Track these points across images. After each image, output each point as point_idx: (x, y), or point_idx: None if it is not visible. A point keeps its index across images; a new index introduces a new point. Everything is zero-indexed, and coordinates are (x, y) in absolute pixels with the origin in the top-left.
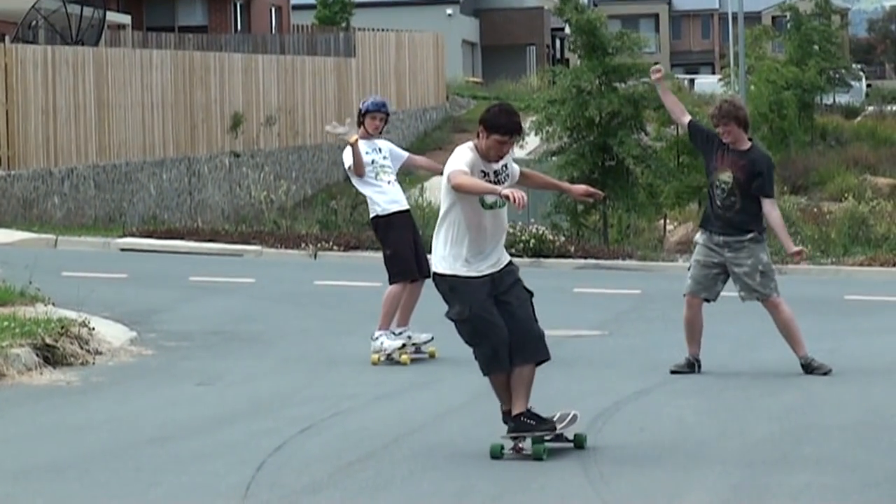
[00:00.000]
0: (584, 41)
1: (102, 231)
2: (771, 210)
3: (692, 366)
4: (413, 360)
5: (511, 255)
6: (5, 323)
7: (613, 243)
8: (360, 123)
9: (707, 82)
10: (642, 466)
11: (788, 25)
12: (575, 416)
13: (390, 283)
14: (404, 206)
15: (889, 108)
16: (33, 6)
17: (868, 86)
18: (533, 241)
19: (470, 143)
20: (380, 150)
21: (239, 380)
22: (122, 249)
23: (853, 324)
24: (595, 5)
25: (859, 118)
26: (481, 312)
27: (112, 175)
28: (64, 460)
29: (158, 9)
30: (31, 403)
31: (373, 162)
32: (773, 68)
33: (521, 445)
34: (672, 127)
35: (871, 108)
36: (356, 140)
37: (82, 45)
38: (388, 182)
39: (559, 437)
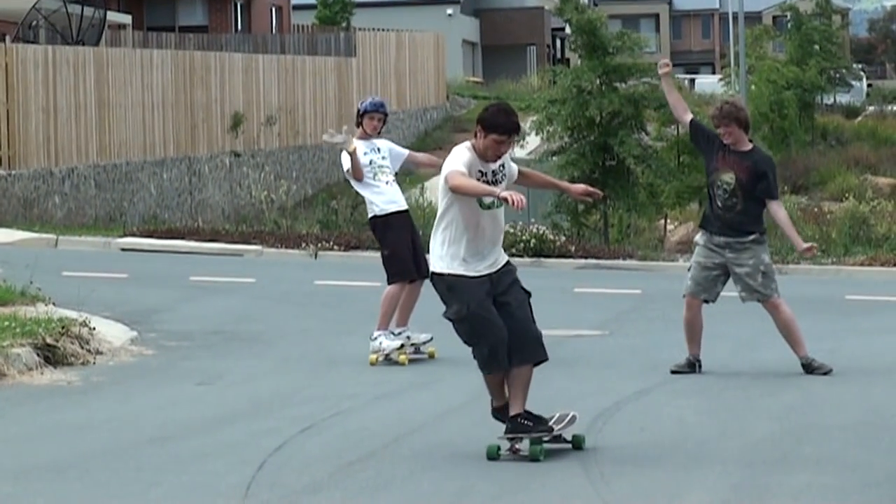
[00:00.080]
0: (584, 41)
1: (103, 231)
2: (777, 210)
3: (693, 366)
4: (412, 361)
5: (511, 254)
6: (6, 323)
7: (614, 243)
8: (359, 124)
9: (707, 82)
10: (643, 466)
11: (789, 25)
12: (574, 417)
13: (388, 283)
14: (402, 206)
15: (890, 107)
16: (34, 6)
17: (869, 86)
18: (533, 240)
19: (467, 143)
20: (378, 150)
21: (239, 379)
22: (123, 249)
23: (854, 324)
24: (595, 5)
25: (860, 118)
26: (479, 311)
27: (112, 175)
28: (64, 460)
29: (159, 9)
30: (31, 403)
31: (371, 162)
32: (774, 68)
33: (517, 446)
34: (672, 127)
35: (871, 108)
36: (354, 149)
37: (83, 44)
38: (387, 182)
39: (557, 438)
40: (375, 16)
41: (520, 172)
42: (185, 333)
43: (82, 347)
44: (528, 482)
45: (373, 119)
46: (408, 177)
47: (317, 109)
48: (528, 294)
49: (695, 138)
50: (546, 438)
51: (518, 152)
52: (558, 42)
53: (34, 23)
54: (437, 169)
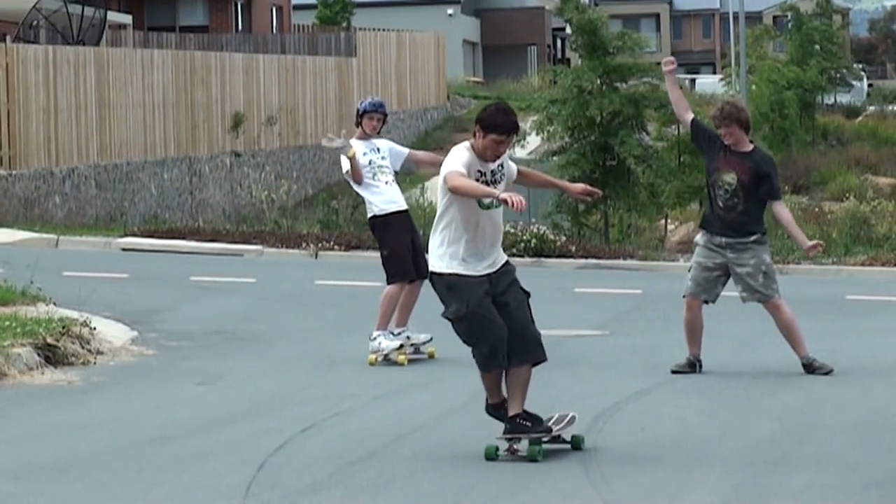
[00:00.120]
0: (585, 41)
1: (104, 231)
2: (781, 210)
3: (693, 366)
4: (412, 361)
5: (512, 254)
6: (7, 323)
7: (614, 243)
8: (358, 124)
9: (708, 82)
10: (643, 466)
11: (789, 25)
12: (573, 418)
13: (388, 283)
14: (402, 206)
15: (890, 107)
16: (34, 6)
17: (869, 85)
18: (534, 240)
19: (466, 143)
20: (378, 149)
21: (240, 379)
22: (124, 249)
23: (854, 324)
24: (596, 5)
25: (860, 118)
26: (479, 310)
27: (113, 175)
28: (65, 460)
29: (159, 9)
30: (32, 403)
31: (370, 162)
32: (775, 68)
33: (516, 447)
34: (673, 126)
35: (872, 108)
36: (353, 154)
37: (83, 44)
38: (386, 182)
39: (556, 439)
40: (376, 16)
41: (519, 172)
42: (185, 333)
43: (83, 347)
44: (529, 482)
45: (372, 119)
46: (408, 177)
47: (317, 109)
48: (528, 294)
49: (696, 138)
50: (545, 439)
51: (518, 152)
52: (559, 42)
53: (35, 23)
54: (439, 167)
